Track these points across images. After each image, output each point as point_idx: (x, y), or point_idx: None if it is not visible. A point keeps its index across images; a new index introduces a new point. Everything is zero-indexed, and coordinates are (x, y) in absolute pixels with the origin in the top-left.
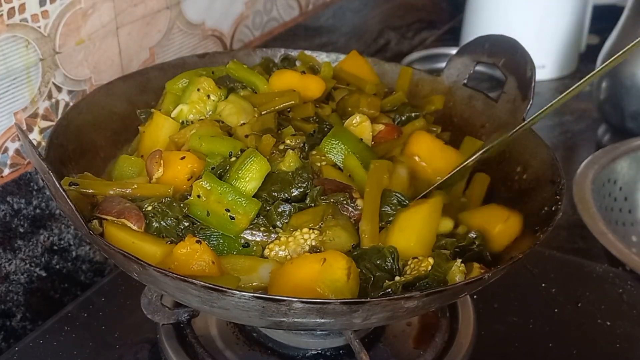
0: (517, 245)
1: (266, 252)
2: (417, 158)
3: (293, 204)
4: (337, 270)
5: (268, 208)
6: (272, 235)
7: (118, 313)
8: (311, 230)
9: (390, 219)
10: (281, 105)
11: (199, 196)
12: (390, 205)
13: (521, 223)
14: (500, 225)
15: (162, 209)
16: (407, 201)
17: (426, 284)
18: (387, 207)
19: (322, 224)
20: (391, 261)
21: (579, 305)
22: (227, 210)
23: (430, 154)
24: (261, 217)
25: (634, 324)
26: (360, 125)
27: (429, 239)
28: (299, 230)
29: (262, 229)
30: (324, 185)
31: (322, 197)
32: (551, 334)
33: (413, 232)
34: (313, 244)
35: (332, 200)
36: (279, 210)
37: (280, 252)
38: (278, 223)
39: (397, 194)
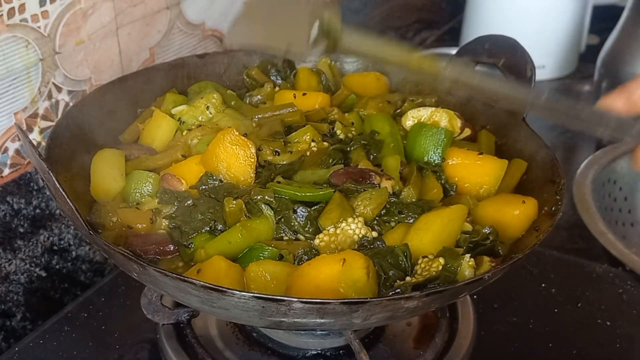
0: (517, 245)
1: (316, 241)
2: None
3: (313, 208)
4: (357, 270)
5: (279, 216)
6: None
7: (118, 313)
8: (356, 219)
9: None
10: (279, 112)
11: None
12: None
13: (537, 206)
14: (518, 208)
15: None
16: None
17: (437, 285)
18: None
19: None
20: (404, 259)
21: (579, 305)
22: None
23: (466, 171)
24: (282, 223)
25: (634, 324)
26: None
27: (447, 243)
28: (344, 221)
29: (288, 232)
30: (344, 176)
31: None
32: (551, 334)
33: (428, 233)
34: (363, 232)
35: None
36: (297, 213)
37: (332, 245)
38: (296, 226)
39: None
